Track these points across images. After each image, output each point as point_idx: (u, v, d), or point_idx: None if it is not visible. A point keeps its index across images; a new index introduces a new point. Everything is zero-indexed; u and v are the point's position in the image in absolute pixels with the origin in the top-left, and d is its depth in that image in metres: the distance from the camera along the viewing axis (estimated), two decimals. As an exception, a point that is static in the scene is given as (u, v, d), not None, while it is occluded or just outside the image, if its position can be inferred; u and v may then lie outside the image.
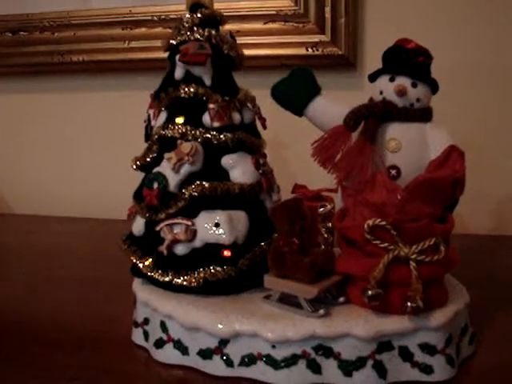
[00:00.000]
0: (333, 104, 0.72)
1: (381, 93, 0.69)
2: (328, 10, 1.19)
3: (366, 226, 0.61)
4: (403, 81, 0.68)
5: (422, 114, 0.69)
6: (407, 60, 0.69)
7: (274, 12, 1.23)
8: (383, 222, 0.60)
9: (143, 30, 1.33)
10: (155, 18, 1.31)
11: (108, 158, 1.41)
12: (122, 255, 0.75)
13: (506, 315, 0.77)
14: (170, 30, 1.19)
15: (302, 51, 1.21)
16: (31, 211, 1.43)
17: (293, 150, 1.21)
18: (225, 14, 1.22)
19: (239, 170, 0.70)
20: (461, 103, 1.16)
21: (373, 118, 0.67)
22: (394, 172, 0.66)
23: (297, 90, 0.72)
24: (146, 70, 1.29)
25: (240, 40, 1.21)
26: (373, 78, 0.71)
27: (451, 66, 1.13)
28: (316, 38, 1.20)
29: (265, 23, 1.24)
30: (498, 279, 0.91)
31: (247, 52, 1.20)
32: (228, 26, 1.24)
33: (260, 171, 0.71)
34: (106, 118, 1.41)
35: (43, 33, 1.38)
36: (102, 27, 1.34)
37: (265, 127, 0.76)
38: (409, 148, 0.67)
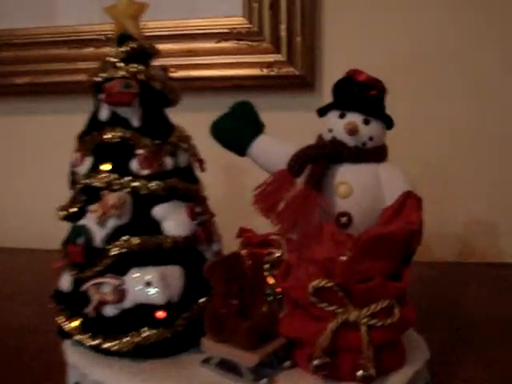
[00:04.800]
0: (278, 143, 0.65)
1: (330, 131, 0.62)
2: (283, 28, 1.15)
3: (310, 287, 0.54)
4: (354, 118, 0.61)
5: (376, 154, 0.62)
6: (358, 94, 0.62)
7: (226, 30, 1.18)
8: (330, 283, 0.54)
9: (91, 49, 1.25)
10: (103, 38, 1.24)
11: (51, 184, 1.32)
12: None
13: (466, 359, 0.72)
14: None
15: (256, 72, 1.16)
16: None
17: (250, 175, 1.15)
18: (175, 32, 1.19)
19: (172, 221, 0.64)
20: (424, 126, 1.13)
21: (320, 161, 0.60)
22: (344, 219, 0.60)
23: (238, 127, 0.66)
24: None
25: (191, 60, 1.18)
26: (322, 112, 0.65)
27: (410, 84, 1.10)
28: (271, 58, 1.15)
29: (217, 42, 1.18)
30: (460, 316, 0.86)
31: (198, 73, 1.17)
32: (178, 46, 1.20)
33: (196, 221, 0.65)
34: (52, 143, 1.33)
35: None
36: (47, 47, 1.26)
37: (203, 169, 0.70)
38: (361, 192, 0.61)
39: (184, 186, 0.66)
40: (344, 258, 0.56)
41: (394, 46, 1.13)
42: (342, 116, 0.62)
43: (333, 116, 0.63)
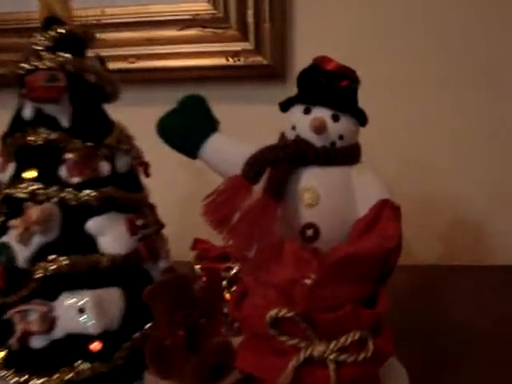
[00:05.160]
0: (234, 143, 0.57)
1: (293, 128, 0.54)
2: (251, 13, 1.06)
3: (267, 317, 0.46)
4: (321, 113, 0.53)
5: (347, 155, 0.54)
6: (326, 85, 0.53)
7: (189, 17, 1.09)
8: (290, 313, 0.46)
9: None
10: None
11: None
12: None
13: (449, 372, 0.66)
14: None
15: (221, 61, 1.07)
16: None
17: (208, 178, 1.08)
18: (134, 20, 1.10)
19: (108, 237, 0.57)
20: (410, 121, 1.06)
21: (280, 164, 0.51)
22: (310, 232, 0.52)
23: (188, 125, 0.57)
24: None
25: (151, 49, 1.09)
26: (285, 107, 0.56)
27: (385, 79, 1.02)
28: (238, 46, 1.07)
29: (179, 30, 1.09)
30: (439, 328, 0.78)
31: (159, 63, 1.08)
32: (138, 34, 1.10)
33: (138, 236, 0.56)
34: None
35: None
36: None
37: (147, 175, 0.61)
38: (329, 200, 0.52)
39: (123, 194, 0.58)
40: (308, 282, 0.47)
41: (373, 33, 1.06)
42: (307, 111, 0.54)
43: (297, 111, 0.55)
